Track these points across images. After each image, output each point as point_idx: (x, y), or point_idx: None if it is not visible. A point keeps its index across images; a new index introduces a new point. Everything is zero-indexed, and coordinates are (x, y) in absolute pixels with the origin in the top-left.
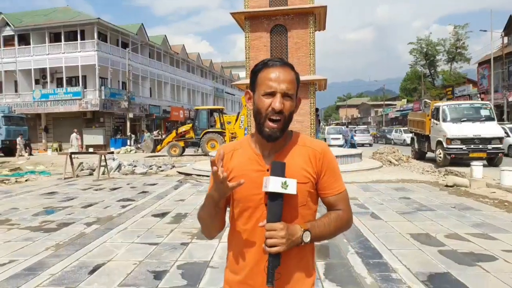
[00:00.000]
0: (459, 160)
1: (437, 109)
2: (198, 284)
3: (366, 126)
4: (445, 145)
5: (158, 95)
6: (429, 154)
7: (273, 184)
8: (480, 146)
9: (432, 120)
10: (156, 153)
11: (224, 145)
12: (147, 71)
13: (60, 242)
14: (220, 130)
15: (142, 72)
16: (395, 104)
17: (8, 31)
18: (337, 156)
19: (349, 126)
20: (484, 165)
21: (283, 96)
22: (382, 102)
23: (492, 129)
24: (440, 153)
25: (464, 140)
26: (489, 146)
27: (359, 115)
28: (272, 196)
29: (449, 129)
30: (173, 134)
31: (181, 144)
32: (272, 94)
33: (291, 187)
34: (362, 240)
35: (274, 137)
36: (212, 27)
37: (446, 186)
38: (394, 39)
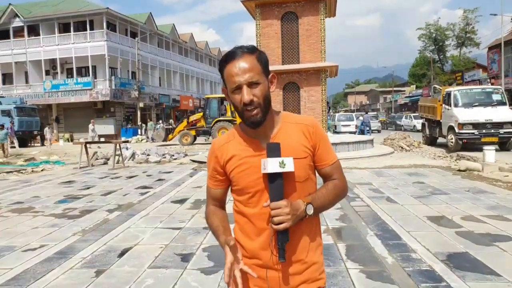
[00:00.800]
0: (471, 145)
1: (449, 94)
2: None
3: (375, 113)
4: (456, 130)
5: (167, 84)
6: (440, 140)
7: (271, 165)
8: (492, 131)
9: (443, 105)
10: (168, 142)
11: (215, 140)
12: (156, 60)
13: (86, 228)
14: (231, 118)
15: (151, 61)
16: (404, 91)
17: (17, 22)
18: (348, 143)
19: (368, 113)
20: (496, 150)
21: (249, 86)
22: (391, 89)
23: (504, 113)
24: (451, 138)
25: (475, 125)
26: (501, 131)
27: (368, 102)
28: (272, 177)
29: (461, 114)
30: (184, 123)
31: (193, 132)
32: (238, 88)
33: (289, 165)
34: (380, 223)
35: (257, 122)
36: (218, 15)
37: (459, 170)
38: (402, 24)
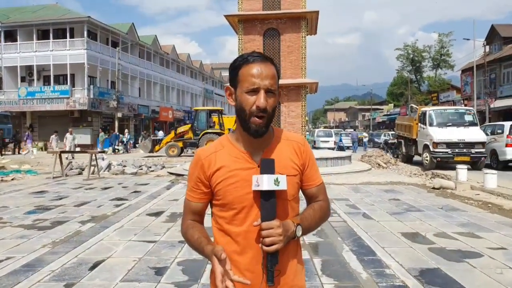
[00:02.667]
0: (445, 164)
1: (424, 113)
2: (200, 279)
3: (352, 130)
4: (431, 149)
5: (147, 95)
6: (416, 158)
7: (267, 182)
8: (464, 150)
9: (419, 124)
10: (154, 154)
11: (200, 149)
12: (136, 70)
13: (56, 239)
14: (219, 131)
15: (131, 71)
16: (382, 109)
17: None
18: (327, 159)
19: (355, 129)
20: (468, 169)
21: (266, 92)
22: (369, 107)
23: (475, 134)
24: (426, 157)
25: (449, 144)
26: (473, 150)
27: (346, 119)
28: (266, 194)
29: (435, 133)
30: (172, 134)
31: (180, 144)
32: (255, 90)
33: (282, 183)
34: (355, 239)
35: (260, 132)
36: (201, 28)
37: (433, 188)
38: (381, 44)
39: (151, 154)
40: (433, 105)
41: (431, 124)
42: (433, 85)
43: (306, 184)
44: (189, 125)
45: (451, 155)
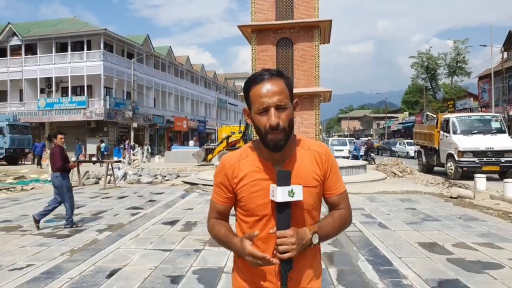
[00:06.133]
0: (471, 174)
1: (447, 121)
2: None
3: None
4: (456, 158)
5: (162, 105)
6: (437, 167)
7: (281, 194)
8: (493, 159)
9: (441, 132)
10: (206, 162)
11: (225, 156)
12: (151, 81)
13: (74, 248)
14: None
15: (146, 82)
16: (397, 117)
17: (15, 41)
18: (341, 167)
19: (359, 138)
20: (495, 179)
21: (277, 109)
22: (384, 115)
23: (504, 141)
24: (451, 166)
25: (476, 153)
26: (502, 159)
27: (361, 127)
28: (280, 205)
29: (461, 141)
30: (224, 143)
31: None
32: (265, 110)
33: (298, 194)
34: (371, 248)
35: (279, 146)
36: (215, 39)
37: (451, 197)
38: (395, 52)
39: (204, 162)
40: (450, 112)
41: (455, 132)
42: (449, 93)
43: (328, 193)
44: (240, 135)
45: (479, 165)
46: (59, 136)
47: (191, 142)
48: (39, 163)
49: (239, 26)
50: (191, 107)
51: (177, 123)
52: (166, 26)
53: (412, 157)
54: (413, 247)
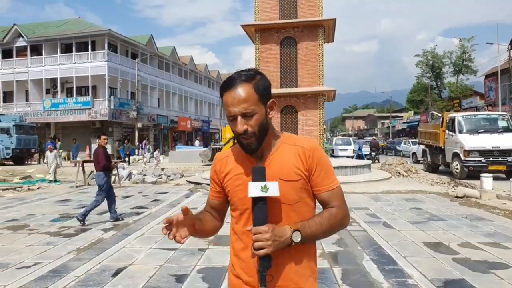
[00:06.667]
0: (477, 173)
1: (452, 120)
2: (220, 287)
3: (373, 138)
4: (462, 157)
5: (166, 105)
6: (442, 167)
7: (253, 189)
8: (500, 158)
9: (446, 131)
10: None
11: (218, 153)
12: (155, 81)
13: (80, 246)
14: None
15: (150, 82)
16: (402, 116)
17: (21, 42)
18: (346, 167)
19: (364, 138)
20: (502, 178)
21: (243, 116)
22: (388, 114)
23: (511, 140)
24: (457, 165)
25: (482, 152)
26: (509, 158)
27: (365, 127)
28: (255, 201)
29: (466, 140)
30: (231, 143)
31: None
32: (234, 117)
33: (272, 189)
34: (376, 248)
35: (251, 149)
36: (218, 39)
37: (456, 197)
38: (399, 51)
39: (210, 162)
40: (455, 111)
41: (460, 131)
42: (454, 91)
43: (316, 189)
44: None
45: (485, 164)
46: (103, 137)
47: (197, 142)
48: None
49: (242, 26)
50: (195, 107)
51: (181, 123)
52: (169, 27)
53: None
54: (418, 247)
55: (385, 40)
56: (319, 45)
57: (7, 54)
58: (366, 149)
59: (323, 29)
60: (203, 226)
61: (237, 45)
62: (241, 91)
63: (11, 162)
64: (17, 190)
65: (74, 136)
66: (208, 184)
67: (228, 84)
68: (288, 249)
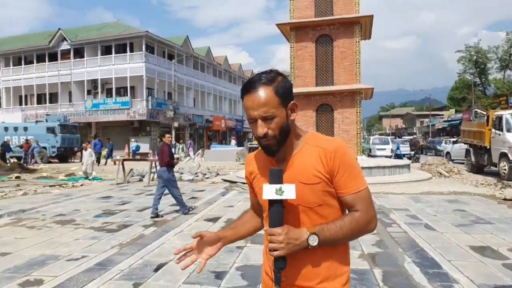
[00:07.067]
0: None
1: (499, 118)
2: (258, 285)
3: (413, 137)
4: (511, 157)
5: (201, 105)
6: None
7: (267, 191)
8: None
9: (493, 130)
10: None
11: (248, 154)
12: (191, 81)
13: (123, 242)
14: None
15: (186, 82)
16: (442, 115)
17: (65, 46)
18: (384, 167)
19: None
20: None
21: (263, 120)
22: (428, 112)
23: None
24: (504, 166)
25: None
26: None
27: (403, 126)
28: (270, 203)
29: None
30: None
31: None
32: (254, 120)
33: (288, 192)
34: (418, 250)
35: (271, 151)
36: (252, 38)
37: (505, 199)
38: (439, 47)
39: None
40: (502, 109)
41: (509, 130)
42: (501, 88)
43: (339, 192)
44: None
45: None
46: (167, 135)
47: (233, 142)
48: (98, 161)
49: (277, 24)
50: (229, 106)
51: (215, 123)
52: (203, 27)
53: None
54: (464, 250)
55: (424, 35)
56: (356, 42)
57: (53, 57)
58: (404, 149)
59: (360, 26)
60: (239, 231)
61: (271, 44)
62: (261, 94)
63: (56, 160)
64: (63, 186)
65: (113, 135)
66: (242, 183)
67: (248, 87)
68: (305, 251)
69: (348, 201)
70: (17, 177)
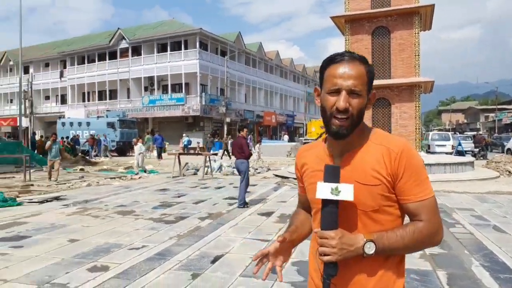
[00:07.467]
0: None
1: None
2: None
3: (478, 133)
4: None
5: (252, 101)
6: None
7: (322, 190)
8: None
9: None
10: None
11: (301, 147)
12: (243, 77)
13: (180, 233)
14: None
15: (238, 78)
16: (510, 109)
17: (123, 44)
18: (444, 164)
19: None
20: None
21: (349, 94)
22: (494, 107)
23: None
24: None
25: None
26: None
27: (465, 121)
28: (325, 203)
29: None
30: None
31: None
32: (337, 91)
33: (345, 193)
34: (487, 253)
35: (341, 134)
36: (303, 32)
37: None
38: (507, 36)
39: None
40: None
41: None
42: None
43: (401, 198)
44: None
45: None
46: (245, 129)
47: (286, 137)
48: (159, 156)
49: (332, 17)
50: (280, 101)
51: (266, 118)
52: (255, 23)
53: None
54: None
55: (490, 24)
56: (415, 33)
57: (112, 56)
58: (466, 145)
59: (420, 16)
60: (301, 233)
61: (322, 38)
62: (355, 67)
63: (115, 154)
64: (122, 179)
65: (169, 131)
66: (294, 179)
67: (338, 57)
68: (357, 258)
69: (411, 209)
70: (81, 169)
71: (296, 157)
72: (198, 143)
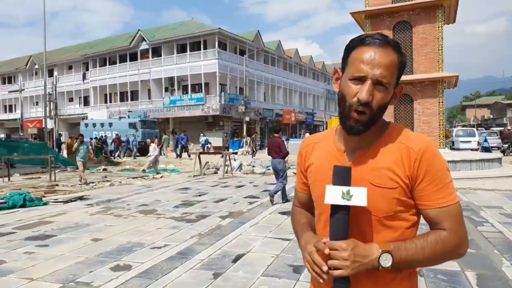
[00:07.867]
0: None
1: None
2: None
3: (508, 128)
4: None
5: (271, 99)
6: None
7: (331, 194)
8: None
9: None
10: None
11: (307, 137)
12: (262, 76)
13: (202, 232)
14: None
15: (257, 77)
16: None
17: (144, 46)
18: (470, 161)
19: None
20: None
21: (374, 84)
22: None
23: None
24: None
25: None
26: None
27: (491, 116)
28: (334, 209)
29: None
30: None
31: None
32: (361, 79)
33: (358, 197)
34: None
35: (356, 130)
36: (322, 29)
37: None
38: None
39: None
40: None
41: None
42: None
43: (421, 204)
44: None
45: None
46: (280, 132)
47: (307, 134)
48: (189, 154)
49: (352, 13)
50: (299, 99)
51: (285, 116)
52: (274, 21)
53: None
54: None
55: None
56: (438, 27)
57: (133, 57)
58: (493, 141)
59: (443, 9)
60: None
61: (341, 34)
62: (387, 55)
63: (137, 154)
64: (144, 178)
65: (189, 130)
66: None
67: (369, 39)
68: (372, 272)
69: (432, 216)
70: (104, 169)
71: (301, 148)
72: (210, 143)
